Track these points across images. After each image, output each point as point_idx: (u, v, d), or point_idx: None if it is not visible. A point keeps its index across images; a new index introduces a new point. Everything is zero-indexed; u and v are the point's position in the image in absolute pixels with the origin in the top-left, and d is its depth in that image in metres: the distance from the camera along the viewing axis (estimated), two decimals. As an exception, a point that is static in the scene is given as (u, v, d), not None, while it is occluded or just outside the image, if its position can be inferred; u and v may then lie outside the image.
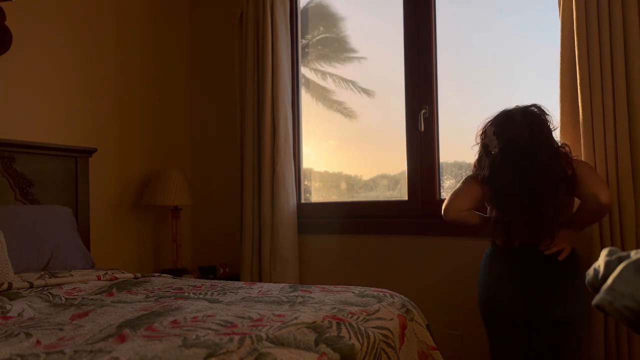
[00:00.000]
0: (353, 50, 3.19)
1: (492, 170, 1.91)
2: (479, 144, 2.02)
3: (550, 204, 1.84)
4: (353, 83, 3.16)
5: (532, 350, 1.90)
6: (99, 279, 2.18)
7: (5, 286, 1.92)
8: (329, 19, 3.32)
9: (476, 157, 2.03)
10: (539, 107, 1.93)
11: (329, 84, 3.26)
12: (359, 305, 1.65)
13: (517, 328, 1.90)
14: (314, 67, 3.34)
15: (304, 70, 3.29)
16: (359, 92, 3.14)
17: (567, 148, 1.92)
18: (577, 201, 1.98)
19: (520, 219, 1.88)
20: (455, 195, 2.06)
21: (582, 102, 2.08)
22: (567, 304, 1.83)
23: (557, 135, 2.02)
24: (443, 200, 2.65)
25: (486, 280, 1.98)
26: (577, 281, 1.84)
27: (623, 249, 2.00)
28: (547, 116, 1.92)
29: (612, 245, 2.03)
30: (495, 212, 1.96)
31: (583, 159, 2.11)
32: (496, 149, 1.90)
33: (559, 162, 1.85)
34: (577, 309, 1.84)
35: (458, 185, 2.09)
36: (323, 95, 3.29)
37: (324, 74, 3.30)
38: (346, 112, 3.19)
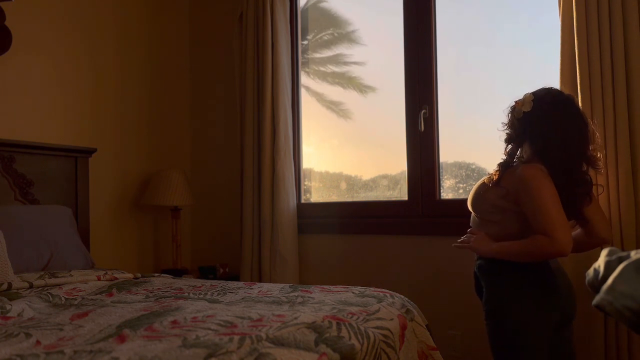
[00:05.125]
0: (353, 50, 3.20)
1: (553, 126, 1.67)
2: (510, 122, 1.75)
3: (585, 184, 1.69)
4: (354, 80, 3.16)
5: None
6: (98, 279, 2.19)
7: (5, 286, 1.92)
8: (329, 20, 3.32)
9: (505, 141, 1.77)
10: None
11: (327, 85, 3.26)
12: (359, 306, 1.65)
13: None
14: (313, 67, 3.33)
15: (303, 70, 3.28)
16: (359, 90, 3.14)
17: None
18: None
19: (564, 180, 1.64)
20: (558, 215, 1.55)
21: (582, 102, 2.08)
22: None
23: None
24: (443, 201, 2.70)
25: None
26: None
27: (623, 249, 2.00)
28: None
29: (612, 245, 2.03)
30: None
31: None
32: (550, 106, 1.68)
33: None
34: None
35: (536, 189, 1.58)
36: (321, 96, 3.29)
37: (324, 74, 3.31)
38: (343, 113, 3.19)
